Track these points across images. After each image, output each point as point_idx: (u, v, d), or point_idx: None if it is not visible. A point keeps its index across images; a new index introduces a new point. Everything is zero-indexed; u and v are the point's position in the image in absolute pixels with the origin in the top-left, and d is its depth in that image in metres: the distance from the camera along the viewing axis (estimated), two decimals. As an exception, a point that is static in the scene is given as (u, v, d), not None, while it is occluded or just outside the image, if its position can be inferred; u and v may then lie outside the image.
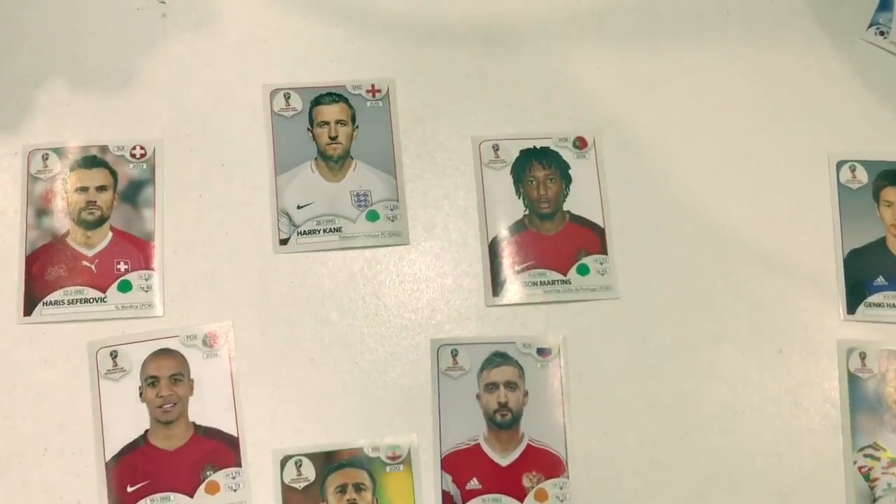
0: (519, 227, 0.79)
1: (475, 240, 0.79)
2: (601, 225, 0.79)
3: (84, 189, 0.77)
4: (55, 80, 0.80)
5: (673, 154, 0.82)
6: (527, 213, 0.79)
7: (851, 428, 0.75)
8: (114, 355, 0.73)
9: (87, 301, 0.74)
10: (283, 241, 0.77)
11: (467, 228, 0.79)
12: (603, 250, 0.78)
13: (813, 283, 0.79)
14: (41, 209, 0.77)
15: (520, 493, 0.73)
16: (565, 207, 0.79)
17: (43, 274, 0.75)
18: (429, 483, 0.73)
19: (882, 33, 0.86)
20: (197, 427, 0.73)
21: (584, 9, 0.86)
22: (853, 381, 0.76)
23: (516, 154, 0.81)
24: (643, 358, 0.76)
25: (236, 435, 0.73)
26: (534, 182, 0.80)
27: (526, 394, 0.75)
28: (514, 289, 0.77)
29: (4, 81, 0.80)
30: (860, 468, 0.74)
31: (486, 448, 0.74)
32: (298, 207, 0.78)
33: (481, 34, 0.84)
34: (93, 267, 0.75)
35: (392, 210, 0.79)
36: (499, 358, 0.75)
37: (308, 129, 0.80)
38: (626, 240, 0.79)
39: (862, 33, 0.86)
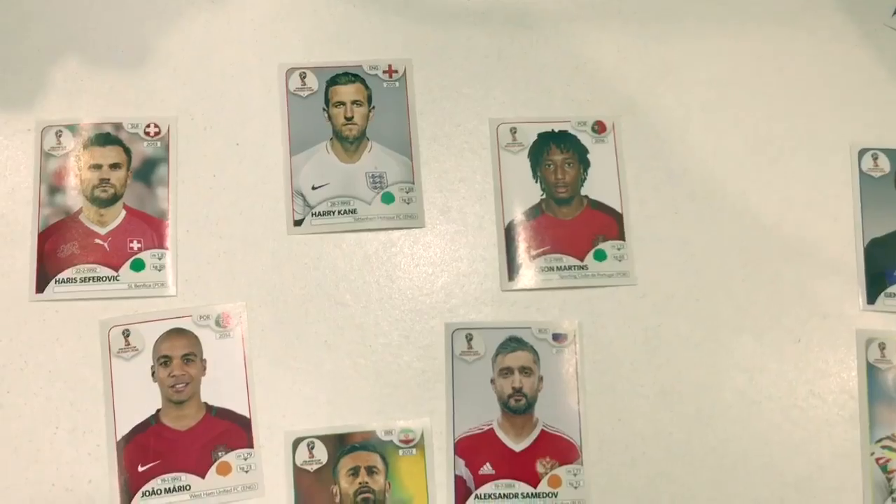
0: (536, 212, 0.78)
1: (491, 223, 0.78)
2: (619, 210, 0.78)
3: (97, 166, 0.76)
4: (70, 57, 0.79)
5: (693, 140, 0.81)
6: (544, 197, 0.78)
7: (869, 419, 0.74)
8: (126, 334, 0.73)
9: (99, 279, 0.74)
10: (298, 223, 0.76)
11: (483, 212, 0.78)
12: (620, 236, 0.78)
13: (832, 272, 0.78)
14: (54, 186, 0.76)
15: (533, 479, 0.73)
16: (583, 192, 0.78)
17: (55, 251, 0.74)
18: (441, 467, 0.73)
19: (907, 20, 0.85)
20: (209, 407, 0.72)
21: (605, -9, 0.85)
22: (872, 371, 0.75)
23: (534, 137, 0.80)
24: (659, 345, 0.75)
25: (248, 416, 0.72)
26: (551, 166, 0.79)
27: (541, 379, 0.74)
28: (529, 274, 0.76)
29: (19, 57, 0.79)
30: (878, 459, 0.74)
31: (499, 433, 0.73)
32: (313, 188, 0.77)
33: (501, 15, 0.83)
34: (106, 245, 0.75)
35: (407, 192, 0.78)
36: (514, 343, 0.75)
37: (324, 110, 0.79)
38: (644, 226, 0.78)
39: (887, 19, 0.85)
